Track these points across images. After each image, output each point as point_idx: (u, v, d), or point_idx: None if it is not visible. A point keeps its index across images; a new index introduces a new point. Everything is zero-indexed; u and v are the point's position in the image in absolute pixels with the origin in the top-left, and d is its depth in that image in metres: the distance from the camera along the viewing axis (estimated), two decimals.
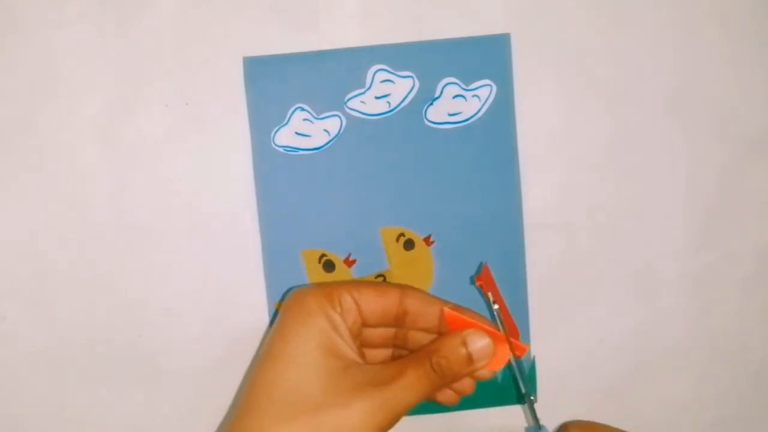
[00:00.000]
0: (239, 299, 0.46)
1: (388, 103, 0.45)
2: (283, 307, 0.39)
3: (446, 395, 0.39)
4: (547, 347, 0.47)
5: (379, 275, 0.46)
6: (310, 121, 0.45)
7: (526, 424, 0.48)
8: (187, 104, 0.45)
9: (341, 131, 0.45)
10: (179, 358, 0.46)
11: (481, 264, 0.46)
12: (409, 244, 0.46)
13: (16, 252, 0.45)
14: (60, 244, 0.45)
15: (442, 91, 0.45)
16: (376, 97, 0.45)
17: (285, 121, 0.45)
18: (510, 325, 0.38)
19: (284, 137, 0.45)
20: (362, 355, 0.38)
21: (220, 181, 0.45)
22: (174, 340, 0.46)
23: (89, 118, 0.45)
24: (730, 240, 0.47)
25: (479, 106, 0.45)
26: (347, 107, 0.45)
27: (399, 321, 0.39)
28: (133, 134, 0.45)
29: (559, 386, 0.48)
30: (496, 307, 0.38)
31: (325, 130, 0.45)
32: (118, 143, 0.45)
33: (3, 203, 0.45)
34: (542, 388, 0.47)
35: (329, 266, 0.46)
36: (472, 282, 0.45)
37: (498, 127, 0.45)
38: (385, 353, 0.41)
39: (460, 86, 0.45)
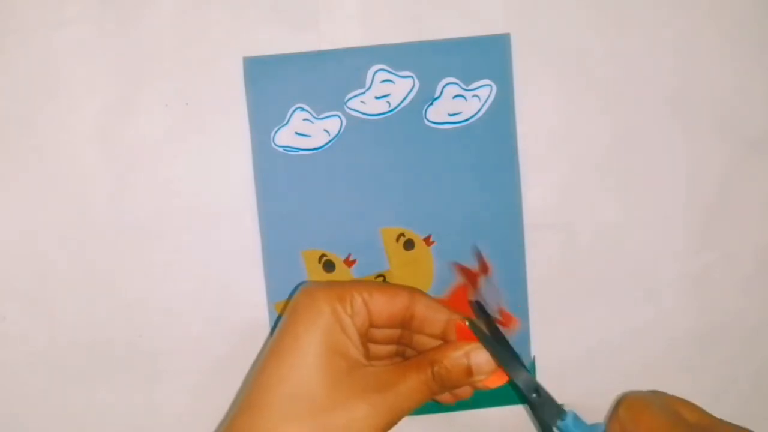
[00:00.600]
0: (239, 299, 0.46)
1: (388, 103, 0.45)
2: (293, 303, 0.38)
3: (443, 396, 0.39)
4: (547, 347, 0.47)
5: (379, 275, 0.46)
6: (310, 121, 0.45)
7: (526, 425, 0.48)
8: (187, 104, 0.45)
9: (341, 131, 0.45)
10: (179, 358, 0.46)
11: (474, 251, 0.46)
12: (409, 244, 0.46)
13: (16, 252, 0.45)
14: (60, 244, 0.45)
15: (442, 91, 0.45)
16: (376, 97, 0.45)
17: (285, 121, 0.45)
18: (506, 317, 0.39)
19: (284, 137, 0.45)
20: (367, 352, 0.38)
21: (220, 181, 0.45)
22: (174, 340, 0.46)
23: (89, 118, 0.45)
24: (730, 240, 0.47)
25: (479, 106, 0.45)
26: (347, 107, 0.45)
27: (406, 324, 0.39)
28: (133, 134, 0.45)
29: (559, 386, 0.47)
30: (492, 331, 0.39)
31: (325, 130, 0.45)
32: (118, 143, 0.45)
33: (3, 203, 0.45)
34: None
35: (329, 266, 0.46)
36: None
37: (498, 127, 0.45)
38: (389, 349, 0.41)
39: (460, 86, 0.45)
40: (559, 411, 0.39)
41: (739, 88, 0.46)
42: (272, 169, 0.45)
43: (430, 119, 0.45)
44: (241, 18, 0.44)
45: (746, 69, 0.46)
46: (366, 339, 0.39)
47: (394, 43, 0.45)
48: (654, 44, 0.46)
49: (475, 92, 0.45)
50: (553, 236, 0.47)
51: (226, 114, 0.45)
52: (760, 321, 0.48)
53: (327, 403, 0.35)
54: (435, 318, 0.39)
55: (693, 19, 0.46)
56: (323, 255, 0.46)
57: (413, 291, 0.39)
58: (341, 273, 0.46)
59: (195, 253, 0.46)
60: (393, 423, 0.36)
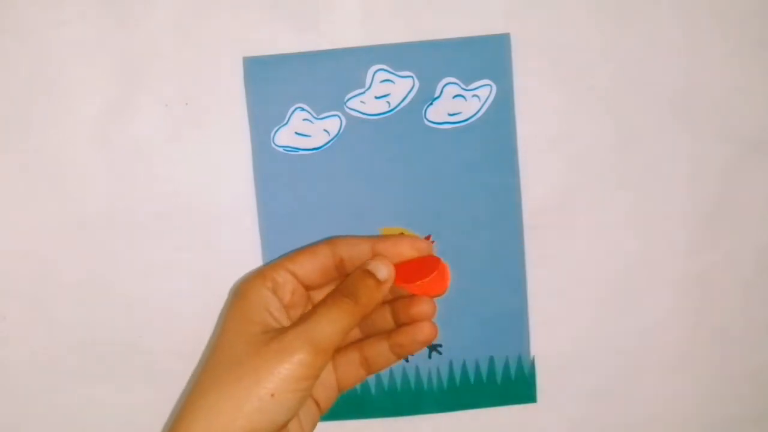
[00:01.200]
0: None
1: (388, 103, 0.45)
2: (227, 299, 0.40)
3: (396, 339, 0.40)
4: (547, 347, 0.47)
5: None
6: (310, 121, 0.45)
7: (526, 425, 0.48)
8: (187, 104, 0.45)
9: (341, 131, 0.45)
10: (179, 358, 0.46)
11: None
12: None
13: (16, 252, 0.45)
14: (60, 244, 0.45)
15: (441, 91, 0.45)
16: (376, 97, 0.45)
17: (285, 121, 0.45)
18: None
19: (284, 137, 0.45)
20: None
21: (219, 181, 0.45)
22: (174, 340, 0.46)
23: (89, 117, 0.45)
24: (730, 240, 0.47)
25: (479, 106, 0.45)
26: (347, 107, 0.45)
27: (341, 271, 0.40)
28: (133, 134, 0.45)
29: (559, 386, 0.48)
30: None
31: (325, 130, 0.45)
32: (118, 143, 0.45)
33: (3, 203, 0.45)
34: (542, 388, 0.47)
35: None
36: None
37: (498, 127, 0.45)
38: None
39: (459, 86, 0.45)
40: None
41: (740, 89, 0.46)
42: (272, 169, 0.45)
43: (430, 119, 0.45)
44: (241, 18, 0.44)
45: (747, 69, 0.46)
46: (309, 303, 0.40)
47: (394, 43, 0.45)
48: (654, 44, 0.46)
49: (474, 92, 0.45)
50: (553, 236, 0.47)
51: (225, 114, 0.45)
52: (760, 321, 0.48)
53: (252, 365, 0.35)
54: (360, 249, 0.39)
55: (694, 20, 0.46)
56: None
57: (332, 239, 0.40)
58: None
59: (195, 253, 0.46)
60: (324, 355, 0.35)
